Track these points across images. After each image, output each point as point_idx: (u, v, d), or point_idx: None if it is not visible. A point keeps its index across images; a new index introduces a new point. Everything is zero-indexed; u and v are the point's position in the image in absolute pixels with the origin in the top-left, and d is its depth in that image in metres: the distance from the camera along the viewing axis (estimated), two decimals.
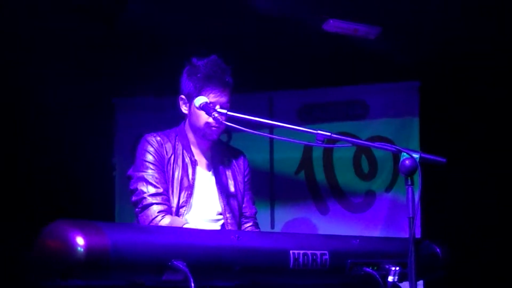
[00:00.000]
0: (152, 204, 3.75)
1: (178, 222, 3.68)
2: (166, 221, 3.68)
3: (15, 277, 5.49)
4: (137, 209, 3.81)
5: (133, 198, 3.83)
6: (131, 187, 3.86)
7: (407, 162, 3.17)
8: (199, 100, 3.77)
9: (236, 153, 4.24)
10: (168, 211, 3.77)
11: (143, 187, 3.80)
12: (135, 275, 2.59)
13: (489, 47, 6.15)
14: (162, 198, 3.79)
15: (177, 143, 3.97)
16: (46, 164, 6.23)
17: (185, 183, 3.89)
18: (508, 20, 5.73)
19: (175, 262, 2.62)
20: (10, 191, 6.06)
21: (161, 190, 3.80)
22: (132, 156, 6.37)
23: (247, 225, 4.15)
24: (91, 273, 2.46)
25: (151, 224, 3.70)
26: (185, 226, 3.66)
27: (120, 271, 2.52)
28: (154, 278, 2.64)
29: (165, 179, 3.86)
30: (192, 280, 2.59)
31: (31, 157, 6.22)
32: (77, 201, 6.07)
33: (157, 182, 3.81)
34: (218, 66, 3.90)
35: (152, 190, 3.79)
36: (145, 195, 3.78)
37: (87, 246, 2.43)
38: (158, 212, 3.73)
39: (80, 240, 2.43)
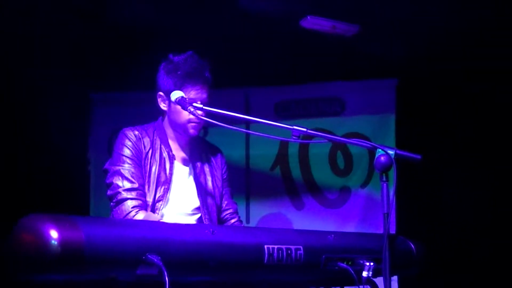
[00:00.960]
0: (126, 199, 3.74)
1: (152, 217, 3.67)
2: (140, 216, 3.68)
3: None
4: (112, 203, 3.80)
5: (108, 192, 3.82)
6: (107, 181, 3.85)
7: (382, 158, 3.20)
8: (175, 95, 3.77)
9: (214, 150, 4.24)
10: (142, 207, 3.76)
11: (119, 182, 3.78)
12: (110, 269, 2.58)
13: (466, 44, 6.18)
14: (137, 193, 3.78)
15: (155, 137, 3.96)
16: (20, 158, 6.21)
17: (162, 178, 3.89)
18: (486, 15, 5.75)
19: (149, 256, 2.61)
20: None
21: (136, 185, 3.79)
22: (107, 151, 6.44)
23: (233, 221, 4.17)
24: (65, 267, 2.44)
25: (125, 219, 3.69)
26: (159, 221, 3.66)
27: (95, 265, 2.51)
28: (128, 272, 2.63)
29: (142, 174, 3.85)
30: (166, 274, 2.59)
31: (5, 151, 6.18)
32: (52, 196, 6.04)
33: (133, 177, 3.80)
34: (197, 63, 3.91)
35: (127, 185, 3.78)
36: (120, 189, 3.76)
37: (61, 240, 2.42)
38: (133, 207, 3.72)
39: (54, 234, 2.42)
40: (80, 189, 6.68)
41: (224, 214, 4.16)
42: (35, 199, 5.96)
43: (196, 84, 3.85)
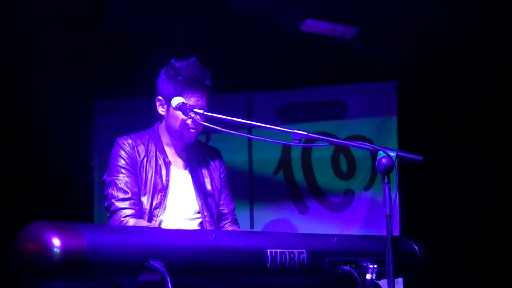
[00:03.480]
0: (119, 209, 3.78)
1: (142, 224, 3.70)
2: (129, 224, 3.70)
3: None
4: (108, 214, 3.85)
5: (105, 203, 3.88)
6: (104, 192, 3.89)
7: (383, 160, 3.20)
8: (176, 101, 3.78)
9: (211, 152, 4.24)
10: (134, 215, 3.77)
11: (113, 192, 3.82)
12: (113, 276, 2.58)
13: (466, 45, 6.18)
14: (130, 202, 3.80)
15: (150, 144, 3.97)
16: (25, 166, 6.21)
17: (159, 185, 3.90)
18: (485, 17, 5.76)
19: (152, 262, 2.61)
20: None
21: (129, 195, 3.81)
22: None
23: (225, 222, 4.16)
24: (68, 274, 2.44)
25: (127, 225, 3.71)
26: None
27: (97, 272, 2.51)
28: (131, 279, 2.63)
29: (137, 183, 3.87)
30: (169, 280, 2.59)
31: (9, 159, 6.19)
32: (56, 204, 6.03)
33: (127, 187, 3.82)
34: (198, 69, 3.90)
35: (120, 195, 3.81)
36: (113, 200, 3.80)
37: (64, 247, 2.42)
38: (124, 216, 3.75)
39: (56, 241, 2.42)
40: (84, 197, 6.68)
41: (218, 216, 4.17)
42: (39, 207, 5.96)
43: (196, 91, 3.85)
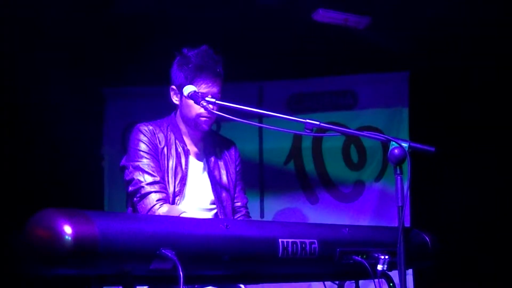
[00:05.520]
0: (150, 192, 3.74)
1: (175, 210, 3.66)
2: (164, 209, 3.68)
3: (4, 266, 5.48)
4: (135, 199, 3.78)
5: (130, 188, 3.81)
6: (127, 178, 3.84)
7: (396, 151, 3.17)
8: (188, 89, 3.76)
9: (228, 143, 4.23)
10: (166, 199, 3.76)
11: (140, 177, 3.78)
12: (124, 264, 2.57)
13: (478, 36, 6.16)
14: (160, 186, 3.78)
15: (169, 133, 3.96)
16: (35, 153, 6.22)
17: (179, 173, 3.88)
18: (497, 9, 5.73)
19: (163, 251, 2.60)
20: None
21: (158, 178, 3.79)
22: (121, 146, 6.45)
23: (239, 215, 4.15)
24: (79, 262, 2.44)
25: (150, 212, 3.69)
26: (182, 215, 3.62)
27: (109, 260, 2.50)
28: (142, 267, 2.63)
29: (161, 168, 3.85)
30: (180, 268, 2.58)
31: (20, 147, 6.20)
32: (66, 191, 6.05)
33: (153, 171, 3.80)
34: (209, 57, 3.90)
35: (149, 179, 3.78)
36: (142, 184, 3.76)
37: (75, 235, 2.41)
38: (157, 200, 3.72)
39: (67, 229, 2.41)
40: (94, 184, 6.69)
41: (232, 208, 4.16)
42: (50, 194, 5.97)
43: (206, 78, 3.85)
